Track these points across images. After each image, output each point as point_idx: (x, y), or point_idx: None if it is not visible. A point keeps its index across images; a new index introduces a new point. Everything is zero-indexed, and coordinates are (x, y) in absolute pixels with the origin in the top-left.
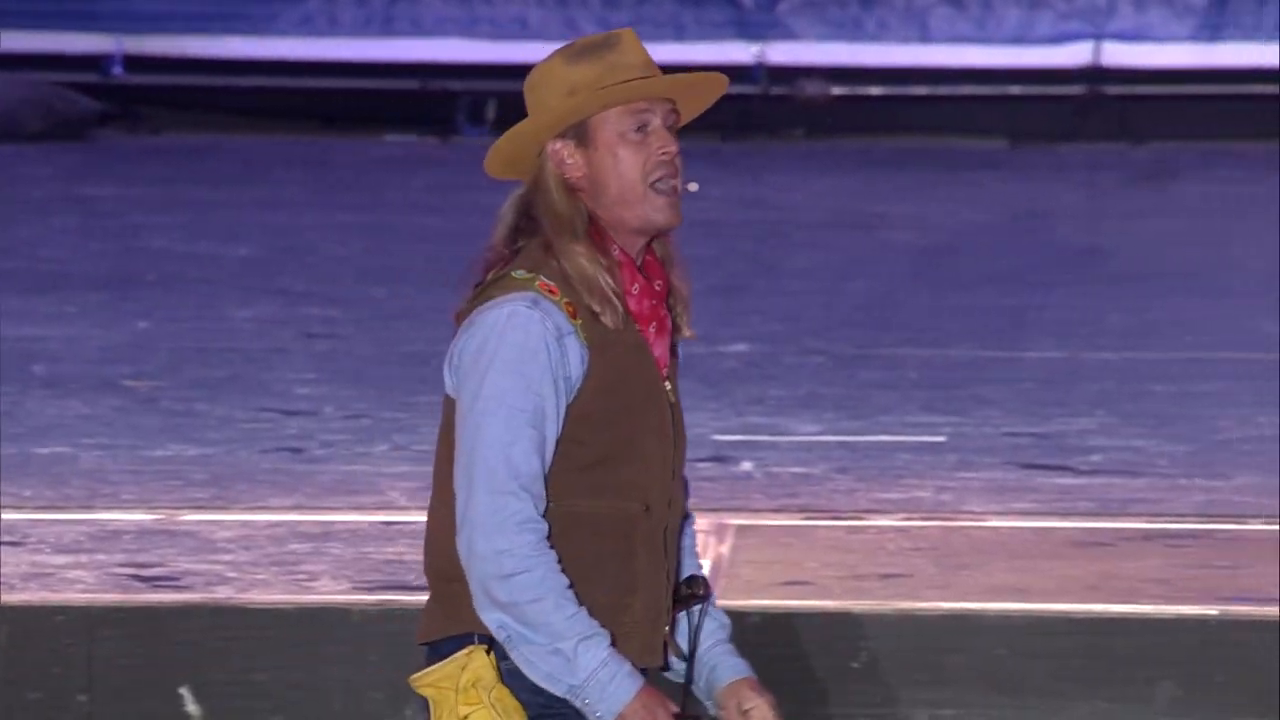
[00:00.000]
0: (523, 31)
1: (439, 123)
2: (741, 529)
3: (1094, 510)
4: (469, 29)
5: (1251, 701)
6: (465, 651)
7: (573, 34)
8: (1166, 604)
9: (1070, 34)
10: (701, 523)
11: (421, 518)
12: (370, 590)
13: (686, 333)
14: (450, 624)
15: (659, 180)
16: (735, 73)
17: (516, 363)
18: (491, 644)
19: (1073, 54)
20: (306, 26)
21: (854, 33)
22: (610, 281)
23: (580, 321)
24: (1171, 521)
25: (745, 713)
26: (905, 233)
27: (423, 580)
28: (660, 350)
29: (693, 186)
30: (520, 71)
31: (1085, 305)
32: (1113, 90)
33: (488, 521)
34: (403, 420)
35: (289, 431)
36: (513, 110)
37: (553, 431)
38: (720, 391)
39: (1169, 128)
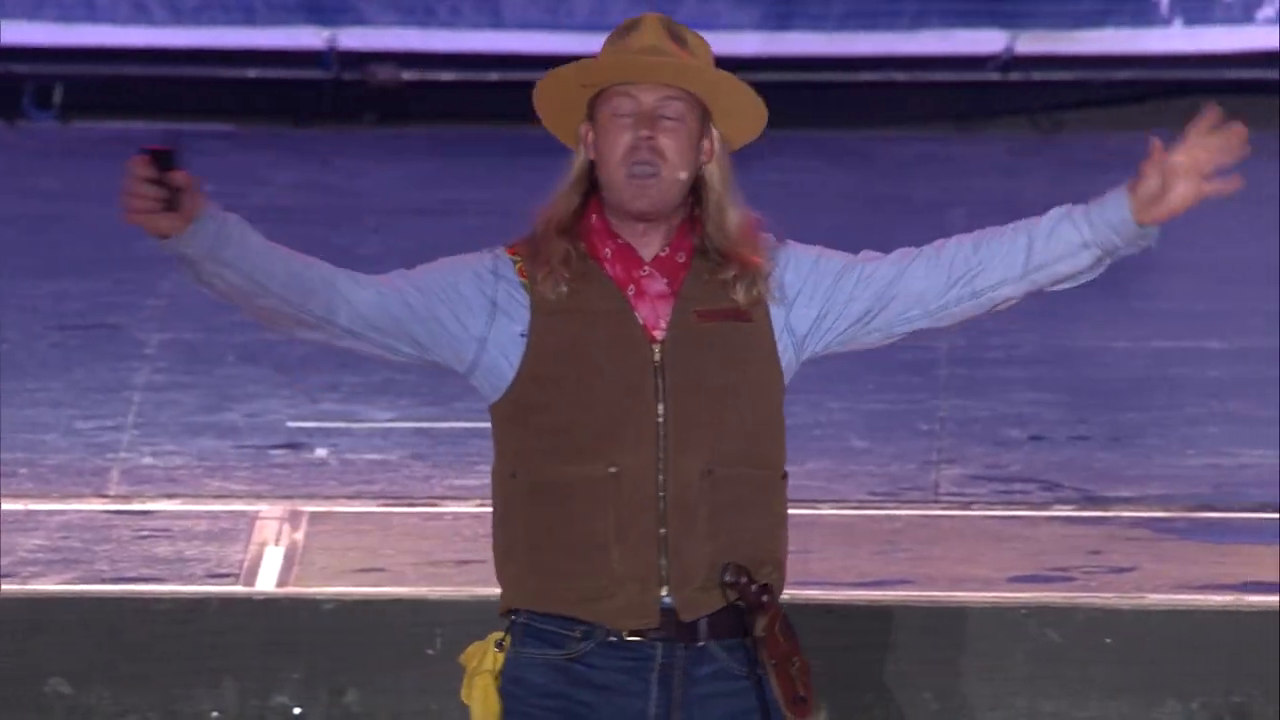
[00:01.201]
0: (90, 14)
1: (4, 106)
2: (316, 516)
3: None
4: (34, 11)
5: (821, 687)
6: (491, 637)
7: (141, 19)
8: None
9: None
10: (275, 509)
11: (9, 506)
12: None
13: (740, 299)
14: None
15: (634, 165)
16: (306, 58)
17: (438, 261)
18: (507, 632)
19: None
20: None
21: (425, 19)
22: (569, 253)
23: (528, 283)
24: None
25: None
26: (478, 219)
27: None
28: (649, 313)
29: (682, 175)
30: (88, 55)
31: None
32: None
33: None
34: None
35: None
36: (80, 94)
37: (425, 295)
38: (294, 378)
39: None
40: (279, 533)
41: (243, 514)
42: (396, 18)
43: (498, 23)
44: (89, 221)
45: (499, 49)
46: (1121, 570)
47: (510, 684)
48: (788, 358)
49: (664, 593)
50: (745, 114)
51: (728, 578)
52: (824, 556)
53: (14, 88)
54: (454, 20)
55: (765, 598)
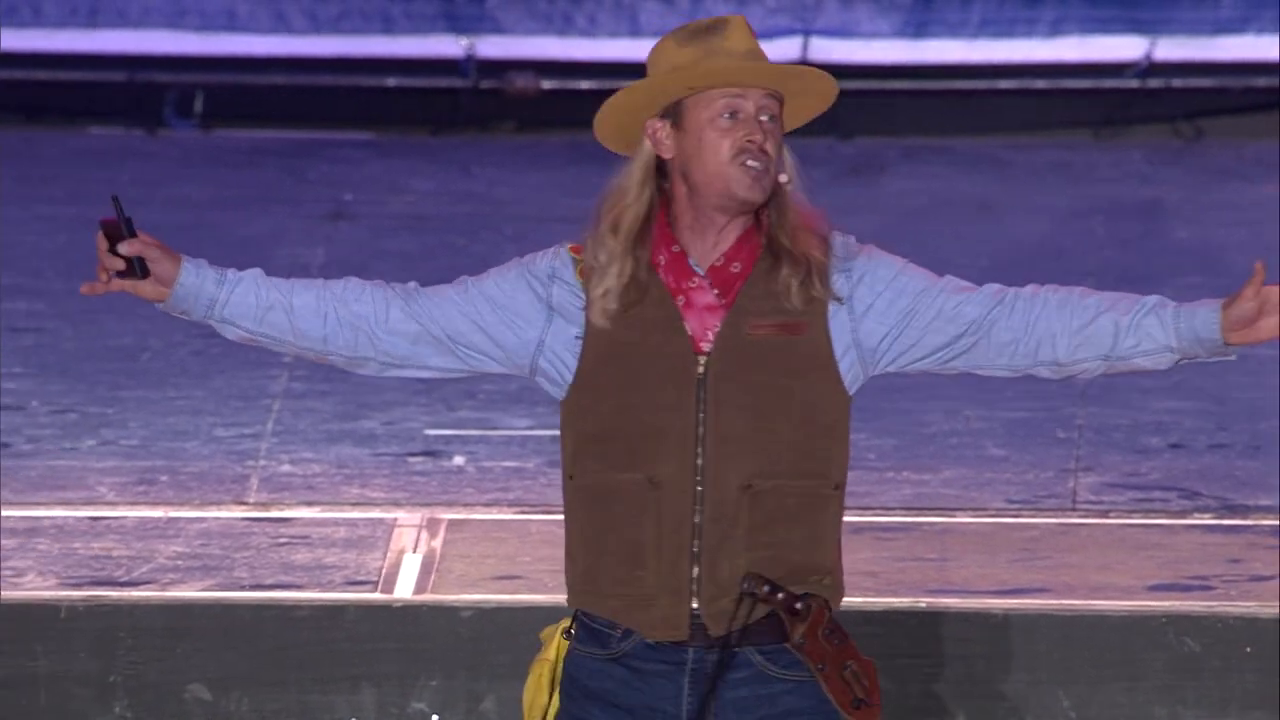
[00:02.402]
0: (230, 23)
1: (146, 115)
2: (454, 523)
3: None
4: (176, 21)
5: (959, 693)
6: (562, 623)
7: (281, 27)
8: (876, 596)
9: (779, 29)
10: (413, 517)
11: (129, 513)
12: (78, 586)
13: (797, 303)
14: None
15: (746, 159)
16: (445, 66)
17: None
18: (573, 621)
19: (781, 49)
20: (10, 17)
21: (563, 27)
22: (624, 272)
23: (585, 284)
24: (881, 514)
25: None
26: None
27: (130, 575)
28: (697, 324)
29: (783, 178)
30: (228, 64)
31: None
32: None
33: None
34: (110, 415)
35: None
36: (221, 103)
37: (477, 304)
38: (431, 386)
39: (876, 123)
40: (417, 540)
41: (381, 521)
42: (534, 26)
43: (635, 30)
44: (230, 229)
45: (636, 57)
46: (1261, 579)
47: (565, 680)
48: (853, 372)
49: (695, 605)
50: (818, 95)
51: (744, 587)
52: (962, 564)
53: (156, 97)
54: (591, 28)
55: (798, 605)
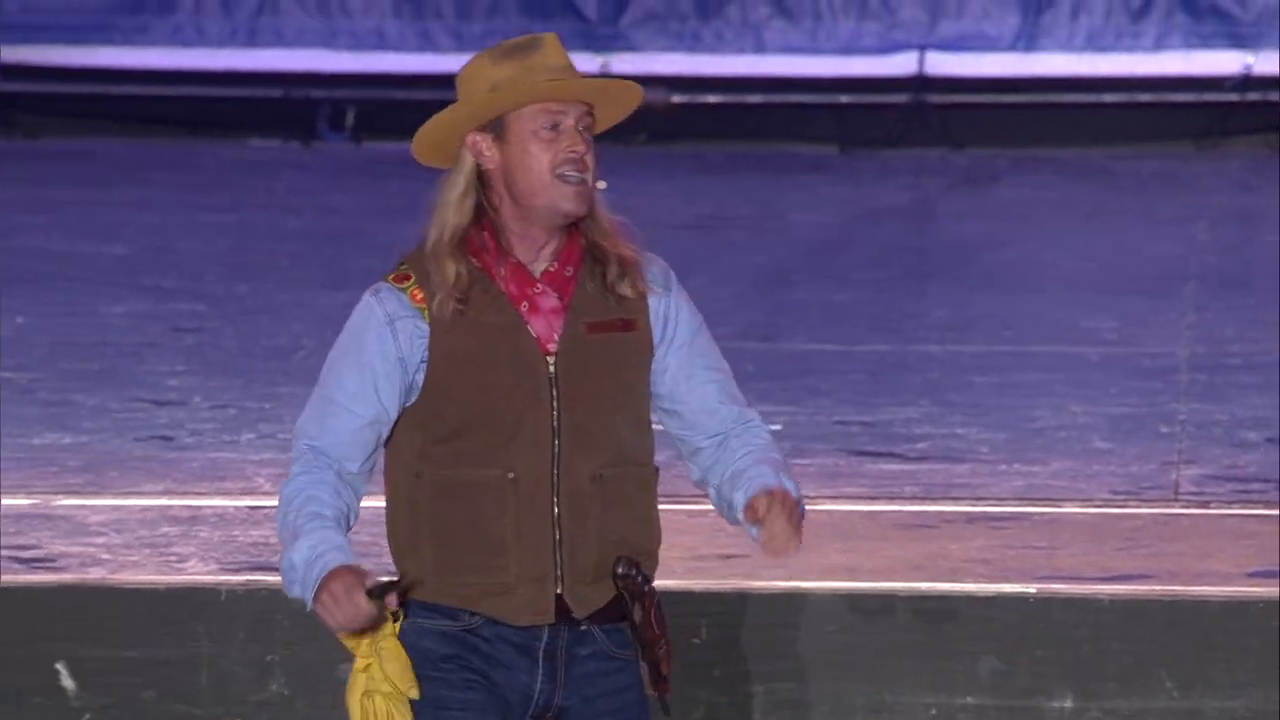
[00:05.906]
0: (380, 43)
1: (301, 129)
2: None
3: (920, 494)
4: (329, 41)
5: (1066, 675)
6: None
7: (428, 46)
8: (988, 582)
9: (896, 45)
10: None
11: None
12: (237, 571)
13: (629, 293)
14: None
15: (567, 172)
16: None
17: (344, 348)
18: (402, 610)
19: (898, 64)
20: (176, 37)
21: (693, 44)
22: (460, 274)
23: (425, 307)
24: (992, 505)
25: (763, 520)
26: (741, 233)
27: None
28: (543, 327)
29: (601, 184)
30: (378, 81)
31: (911, 301)
32: (935, 99)
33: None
34: (267, 410)
35: (159, 420)
36: (371, 117)
37: (370, 406)
38: None
39: (987, 134)
40: None
41: None
42: (666, 44)
43: (759, 47)
44: (379, 237)
45: (760, 72)
46: None
47: (409, 650)
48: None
49: (559, 591)
50: (621, 105)
51: (620, 570)
52: (1068, 552)
53: (310, 111)
54: (718, 46)
55: (647, 587)
